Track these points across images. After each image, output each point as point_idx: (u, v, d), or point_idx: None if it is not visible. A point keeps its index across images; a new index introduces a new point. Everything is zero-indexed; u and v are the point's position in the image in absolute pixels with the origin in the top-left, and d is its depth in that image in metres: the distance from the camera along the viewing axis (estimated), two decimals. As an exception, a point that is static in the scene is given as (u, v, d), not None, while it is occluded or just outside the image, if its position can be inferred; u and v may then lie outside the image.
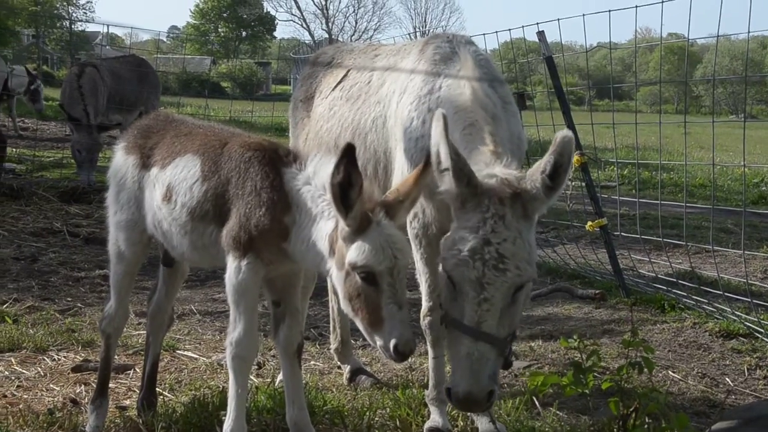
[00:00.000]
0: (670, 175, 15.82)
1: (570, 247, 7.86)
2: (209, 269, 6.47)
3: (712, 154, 6.79)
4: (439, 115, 2.95)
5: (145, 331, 4.17)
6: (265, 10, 79.33)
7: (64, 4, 57.98)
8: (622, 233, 7.15)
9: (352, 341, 4.96)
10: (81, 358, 4.82)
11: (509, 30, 7.62)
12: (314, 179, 3.06)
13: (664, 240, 6.77)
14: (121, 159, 3.61)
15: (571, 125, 6.60)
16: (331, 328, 4.93)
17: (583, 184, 7.09)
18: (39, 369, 4.62)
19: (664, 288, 6.57)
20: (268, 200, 3.08)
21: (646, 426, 3.44)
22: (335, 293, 3.98)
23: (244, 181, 3.16)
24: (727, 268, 7.74)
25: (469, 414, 3.92)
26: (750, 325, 5.63)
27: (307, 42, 70.26)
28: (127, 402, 4.18)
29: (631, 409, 3.40)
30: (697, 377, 4.90)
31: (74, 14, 57.71)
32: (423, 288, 3.79)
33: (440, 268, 3.00)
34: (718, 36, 7.87)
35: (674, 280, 6.53)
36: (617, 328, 5.92)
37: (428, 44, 3.95)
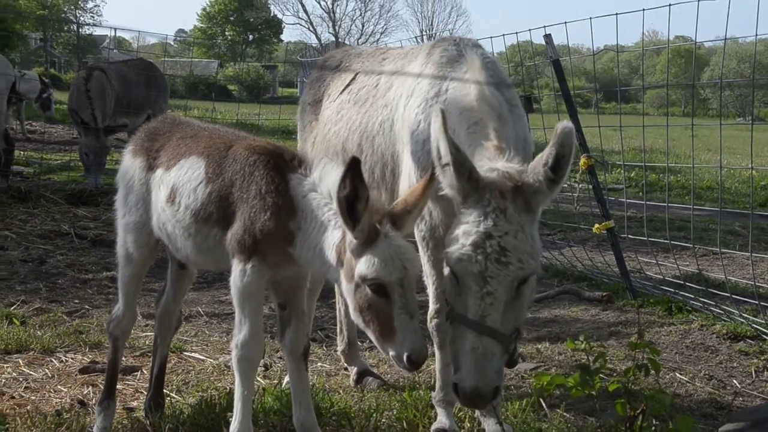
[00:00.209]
0: (677, 177, 15.81)
1: (577, 249, 7.86)
2: (216, 272, 6.49)
3: (719, 156, 6.77)
4: (437, 111, 2.95)
5: (152, 333, 4.19)
6: (272, 14, 79.73)
7: (72, 8, 58.29)
8: (630, 235, 7.13)
9: (359, 343, 4.96)
10: (88, 360, 4.83)
11: (516, 33, 7.64)
12: (320, 186, 3.05)
13: (672, 242, 6.75)
14: (129, 162, 3.63)
15: (578, 128, 6.60)
16: (338, 330, 4.94)
17: (591, 186, 7.09)
18: (46, 370, 4.64)
19: (672, 290, 6.55)
20: (273, 205, 3.08)
21: (653, 428, 3.44)
22: (342, 297, 3.99)
23: (248, 185, 3.15)
24: (734, 271, 7.72)
25: (476, 416, 3.93)
26: (757, 327, 5.62)
27: (313, 45, 70.36)
28: (135, 403, 4.19)
29: (638, 411, 3.39)
30: (704, 379, 4.89)
31: (81, 18, 58.06)
32: (430, 290, 3.79)
33: (444, 263, 3.00)
34: (725, 39, 7.88)
35: (681, 282, 6.52)
36: (624, 330, 5.91)
37: (435, 47, 3.95)
